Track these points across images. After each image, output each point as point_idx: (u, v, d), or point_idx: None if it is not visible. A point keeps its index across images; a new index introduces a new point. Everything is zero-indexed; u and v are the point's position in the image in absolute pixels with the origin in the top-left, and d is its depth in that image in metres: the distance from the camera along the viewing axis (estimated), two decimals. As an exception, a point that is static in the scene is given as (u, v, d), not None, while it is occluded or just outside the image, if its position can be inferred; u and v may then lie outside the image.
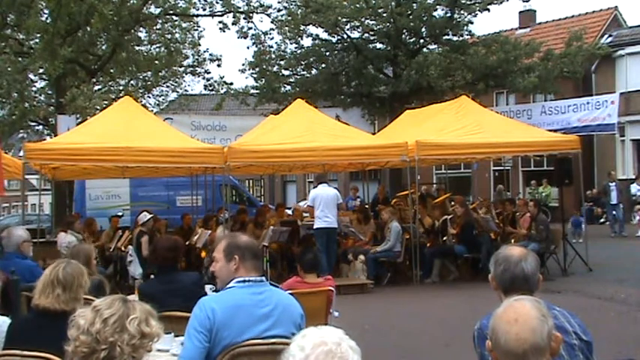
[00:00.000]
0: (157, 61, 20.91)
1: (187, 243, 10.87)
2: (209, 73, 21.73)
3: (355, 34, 20.05)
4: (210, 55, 21.70)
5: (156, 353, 3.75)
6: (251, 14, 19.87)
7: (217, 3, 19.84)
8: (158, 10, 19.62)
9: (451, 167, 21.04)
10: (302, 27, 19.74)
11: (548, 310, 2.08)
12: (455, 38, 19.46)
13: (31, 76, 19.84)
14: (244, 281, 3.08)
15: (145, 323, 2.16)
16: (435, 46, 20.06)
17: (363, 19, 19.11)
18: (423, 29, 19.15)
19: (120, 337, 2.09)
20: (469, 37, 19.86)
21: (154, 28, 20.57)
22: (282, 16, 19.83)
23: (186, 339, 2.99)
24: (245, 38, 20.09)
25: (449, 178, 20.73)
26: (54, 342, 2.89)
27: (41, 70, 18.47)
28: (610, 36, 23.31)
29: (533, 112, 19.40)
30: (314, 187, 11.78)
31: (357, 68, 19.55)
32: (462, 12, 18.81)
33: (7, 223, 22.59)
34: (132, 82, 22.17)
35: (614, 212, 17.86)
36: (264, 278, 3.16)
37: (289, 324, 3.09)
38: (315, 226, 11.21)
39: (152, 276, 5.57)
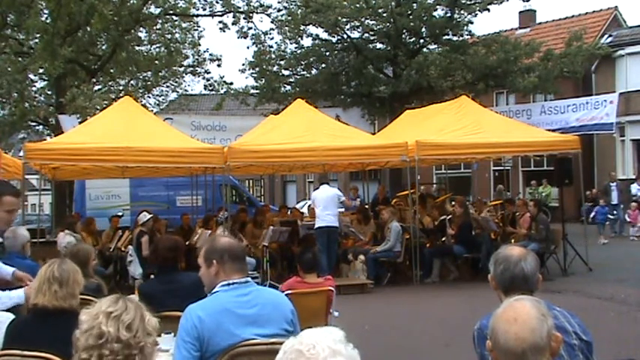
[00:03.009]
0: (157, 61, 20.91)
1: (187, 243, 10.87)
2: (209, 73, 21.76)
3: (355, 34, 20.05)
4: (210, 55, 21.72)
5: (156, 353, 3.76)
6: (251, 14, 19.86)
7: (217, 3, 19.86)
8: (158, 10, 19.62)
9: (451, 167, 21.04)
10: (302, 27, 19.72)
11: (548, 310, 2.08)
12: (455, 38, 19.44)
13: (31, 76, 19.82)
14: (228, 284, 3.05)
15: (149, 317, 2.19)
16: (435, 46, 20.04)
17: (363, 19, 19.09)
18: (423, 29, 19.14)
19: (146, 339, 2.12)
20: (469, 37, 19.84)
21: (154, 28, 20.57)
22: (282, 16, 19.84)
23: (175, 350, 2.96)
24: (245, 38, 20.09)
25: (449, 178, 20.74)
26: (53, 341, 2.90)
27: (41, 70, 18.46)
28: (610, 36, 23.31)
29: (533, 112, 19.37)
30: (315, 189, 11.76)
31: (357, 68, 19.54)
32: (462, 12, 18.79)
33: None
34: (132, 82, 22.18)
35: (614, 212, 17.88)
36: (249, 279, 3.12)
37: (280, 321, 3.07)
38: (315, 226, 11.22)
39: (152, 276, 5.58)
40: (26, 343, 3.05)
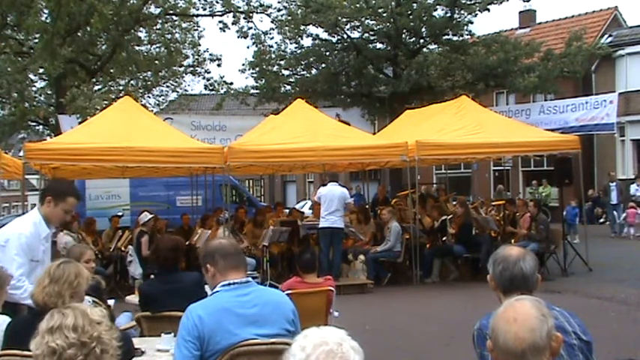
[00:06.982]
0: (157, 61, 20.92)
1: (187, 243, 10.87)
2: (209, 73, 21.75)
3: (355, 34, 20.05)
4: (210, 55, 21.70)
5: (156, 353, 3.76)
6: (251, 14, 19.86)
7: (217, 3, 19.85)
8: (158, 10, 19.61)
9: (451, 167, 21.05)
10: (302, 27, 19.73)
11: (548, 310, 2.08)
12: (455, 38, 19.44)
13: (31, 76, 19.81)
14: (229, 284, 3.07)
15: (91, 309, 2.19)
16: (435, 46, 20.05)
17: (363, 19, 19.10)
18: (423, 29, 19.14)
19: (98, 327, 2.11)
20: (469, 37, 19.85)
21: (154, 28, 20.56)
22: (282, 16, 19.84)
23: (175, 349, 2.98)
24: (245, 38, 20.09)
25: (449, 178, 20.75)
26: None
27: (41, 70, 18.44)
28: (610, 36, 23.31)
29: (532, 112, 19.40)
30: (322, 185, 11.56)
31: (357, 68, 19.54)
32: (462, 12, 18.79)
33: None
34: (132, 82, 22.17)
35: (614, 212, 17.88)
36: (250, 279, 3.14)
37: (281, 321, 3.07)
38: (319, 226, 11.08)
39: (152, 276, 5.58)
40: (24, 343, 3.05)
